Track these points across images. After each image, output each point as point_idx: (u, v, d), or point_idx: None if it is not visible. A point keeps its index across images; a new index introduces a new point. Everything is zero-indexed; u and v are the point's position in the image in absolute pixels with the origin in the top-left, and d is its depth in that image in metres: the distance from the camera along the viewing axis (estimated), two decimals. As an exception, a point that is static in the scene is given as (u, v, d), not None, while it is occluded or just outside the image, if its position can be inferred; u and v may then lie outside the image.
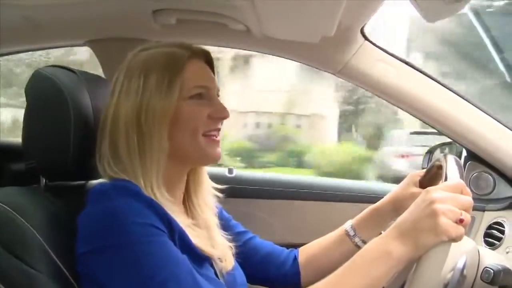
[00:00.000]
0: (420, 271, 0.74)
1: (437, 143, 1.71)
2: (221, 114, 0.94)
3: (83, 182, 1.00)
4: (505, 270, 0.87)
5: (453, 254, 0.82)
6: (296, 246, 1.17)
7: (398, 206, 1.05)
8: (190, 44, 0.95)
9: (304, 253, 1.14)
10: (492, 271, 0.86)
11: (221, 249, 0.96)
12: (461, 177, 0.82)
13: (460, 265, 0.89)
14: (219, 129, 0.95)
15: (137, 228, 0.76)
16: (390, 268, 0.76)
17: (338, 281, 0.79)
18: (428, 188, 0.79)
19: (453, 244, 0.75)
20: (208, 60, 0.99)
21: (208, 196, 1.04)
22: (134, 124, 0.87)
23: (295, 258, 1.14)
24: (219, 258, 0.95)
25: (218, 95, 0.98)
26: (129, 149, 0.87)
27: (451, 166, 0.84)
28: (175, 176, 0.95)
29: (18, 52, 1.67)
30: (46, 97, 0.92)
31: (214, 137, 0.94)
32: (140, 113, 0.87)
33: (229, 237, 1.02)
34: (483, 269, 0.88)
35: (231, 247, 1.00)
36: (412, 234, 0.76)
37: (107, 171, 0.88)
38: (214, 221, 1.02)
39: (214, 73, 0.99)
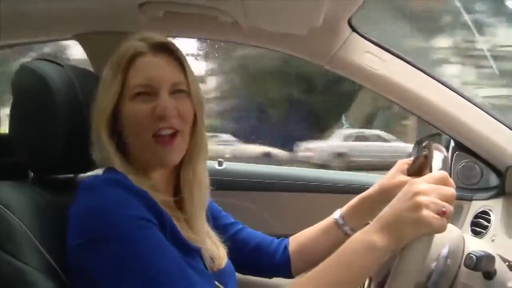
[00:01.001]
0: (403, 262, 0.75)
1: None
2: (160, 111, 0.87)
3: (71, 175, 1.00)
4: (488, 256, 0.88)
5: (437, 244, 0.83)
6: (285, 237, 1.18)
7: (386, 195, 1.06)
8: (150, 36, 0.92)
9: (294, 242, 1.15)
10: (475, 257, 0.87)
11: (210, 243, 0.97)
12: (446, 168, 0.83)
13: (443, 254, 0.90)
14: (172, 128, 0.88)
15: (127, 221, 0.77)
16: (374, 260, 0.77)
17: (323, 273, 0.79)
18: (411, 180, 0.79)
19: (437, 234, 0.76)
20: (173, 53, 0.93)
21: (200, 193, 0.99)
22: (94, 119, 0.89)
23: (286, 247, 1.14)
24: (212, 258, 0.95)
25: (179, 89, 0.91)
26: (94, 140, 0.89)
27: (436, 157, 0.85)
28: (157, 171, 0.94)
29: (4, 46, 1.66)
30: (32, 91, 0.91)
31: (163, 138, 0.88)
32: (94, 108, 0.89)
33: (220, 235, 1.02)
34: (467, 255, 0.89)
35: (223, 246, 1.00)
36: (395, 226, 0.76)
37: (96, 160, 0.90)
38: (204, 215, 1.00)
39: (183, 65, 0.93)
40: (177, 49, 0.93)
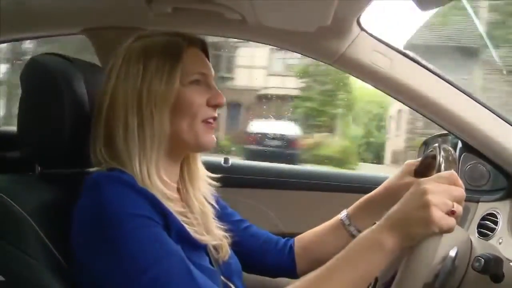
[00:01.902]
0: (411, 262, 0.75)
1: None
2: (219, 100, 0.94)
3: (78, 170, 1.00)
4: (496, 259, 0.88)
5: (445, 245, 0.83)
6: (291, 235, 1.18)
7: (392, 196, 1.05)
8: (186, 33, 0.96)
9: (300, 242, 1.15)
10: (483, 260, 0.87)
11: (216, 238, 0.97)
12: (455, 168, 0.82)
13: (451, 255, 0.90)
14: (215, 117, 0.95)
15: (130, 220, 0.77)
16: (382, 260, 0.77)
17: (330, 273, 0.79)
18: (420, 180, 0.79)
19: (445, 234, 0.75)
20: (204, 48, 0.99)
21: (203, 185, 1.04)
22: (135, 109, 0.87)
23: (291, 247, 1.14)
24: (215, 248, 0.95)
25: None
26: (127, 134, 0.86)
27: (445, 157, 0.84)
28: (170, 163, 0.95)
29: (14, 40, 1.67)
30: (41, 85, 0.91)
31: (211, 124, 0.95)
32: (141, 97, 0.87)
33: (224, 227, 1.02)
34: (474, 258, 0.89)
35: (226, 237, 1.00)
36: (403, 225, 0.76)
37: (98, 158, 0.87)
38: (209, 210, 1.02)
39: (209, 61, 0.99)
40: (207, 46, 1.01)
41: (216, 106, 0.95)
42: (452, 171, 0.80)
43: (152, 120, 0.87)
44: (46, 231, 0.83)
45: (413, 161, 1.09)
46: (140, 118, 0.87)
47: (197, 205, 0.99)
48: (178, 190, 1.00)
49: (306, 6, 1.12)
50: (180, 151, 0.96)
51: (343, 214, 1.12)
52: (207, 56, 1.00)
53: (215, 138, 0.96)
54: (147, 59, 0.89)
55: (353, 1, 1.18)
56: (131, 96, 0.87)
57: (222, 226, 1.02)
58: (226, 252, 0.98)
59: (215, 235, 0.97)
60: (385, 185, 1.09)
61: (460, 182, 0.78)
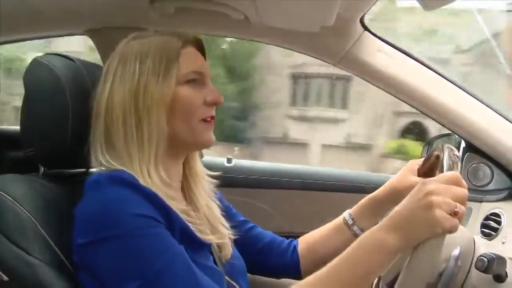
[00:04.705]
0: (414, 262, 0.75)
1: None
2: (216, 99, 0.94)
3: (81, 170, 1.01)
4: (499, 259, 0.88)
5: (448, 245, 0.82)
6: (294, 235, 1.17)
7: (396, 195, 1.05)
8: (182, 32, 0.96)
9: (303, 243, 1.15)
10: (486, 259, 0.87)
11: (221, 236, 0.97)
12: (458, 168, 0.82)
13: (454, 255, 0.90)
14: (213, 116, 0.95)
15: (132, 220, 0.77)
16: (384, 260, 0.77)
17: (332, 273, 0.79)
18: (423, 180, 0.79)
19: (448, 234, 0.75)
20: (200, 48, 0.99)
21: (206, 183, 1.04)
22: (132, 109, 0.87)
23: (295, 248, 1.14)
24: (218, 247, 0.95)
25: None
26: (126, 135, 0.87)
27: (448, 157, 0.84)
28: (171, 162, 0.94)
29: (16, 41, 1.67)
30: (44, 85, 0.92)
31: (209, 123, 0.94)
32: (137, 97, 0.87)
33: (228, 225, 1.02)
34: (478, 257, 0.89)
35: (230, 236, 1.00)
36: (406, 225, 0.76)
37: (99, 159, 0.87)
38: (215, 207, 1.02)
39: (205, 60, 0.99)
40: (204, 45, 1.01)
41: (213, 104, 0.94)
42: (456, 172, 0.80)
43: (150, 120, 0.87)
44: (49, 231, 0.83)
45: (417, 160, 1.08)
46: (138, 119, 0.87)
47: (202, 202, 0.99)
48: (182, 189, 1.00)
49: (309, 6, 1.12)
50: (180, 151, 0.96)
51: (346, 214, 1.11)
52: (204, 55, 1.00)
53: (213, 137, 0.96)
54: (143, 59, 0.88)
55: (357, 1, 1.17)
56: (128, 96, 0.87)
57: (227, 224, 1.02)
58: (229, 250, 0.98)
59: (220, 233, 0.97)
60: (389, 184, 1.09)
61: (464, 182, 0.78)
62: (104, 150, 0.87)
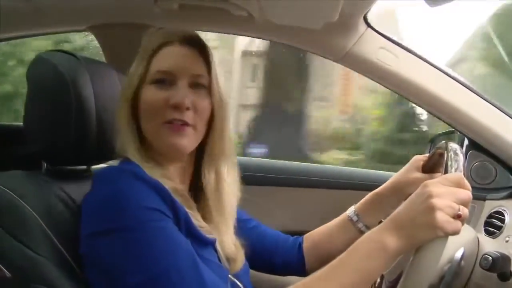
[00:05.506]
0: (417, 263, 0.74)
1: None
2: (178, 102, 0.86)
3: (84, 167, 1.00)
4: (504, 257, 0.87)
5: (451, 246, 0.82)
6: (298, 233, 1.17)
7: (400, 191, 1.05)
8: (177, 30, 0.94)
9: (308, 240, 1.15)
10: (491, 258, 0.86)
11: (232, 247, 0.95)
12: (462, 169, 0.81)
13: (457, 256, 0.89)
14: (182, 120, 0.88)
15: (141, 213, 0.77)
16: (385, 261, 0.76)
17: (331, 274, 0.79)
18: (426, 182, 0.78)
19: (451, 236, 0.74)
20: (197, 47, 0.93)
21: (226, 201, 0.96)
22: (117, 106, 0.92)
23: (300, 245, 1.14)
24: (228, 259, 0.94)
25: (199, 83, 0.91)
26: (118, 128, 0.91)
27: (452, 158, 0.83)
28: (169, 163, 0.94)
29: (19, 37, 1.67)
30: (47, 81, 0.91)
31: (174, 126, 0.88)
32: (120, 95, 0.92)
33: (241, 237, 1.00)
34: (482, 256, 0.88)
35: (243, 245, 0.99)
36: (408, 228, 0.75)
37: (117, 149, 0.91)
38: (230, 222, 0.98)
39: (208, 60, 0.93)
40: (205, 44, 0.94)
41: (177, 108, 0.87)
42: (459, 173, 0.79)
43: (120, 119, 0.90)
44: (53, 228, 0.83)
45: (421, 156, 1.08)
46: (119, 116, 0.91)
47: (219, 219, 0.95)
48: (191, 188, 0.99)
49: (313, 2, 1.12)
50: (157, 152, 0.92)
51: (350, 210, 1.11)
52: (204, 54, 0.93)
53: (181, 142, 0.88)
54: (137, 57, 0.93)
55: (360, -2, 1.17)
56: (119, 95, 0.93)
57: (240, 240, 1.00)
58: (240, 263, 0.97)
59: (230, 242, 0.95)
60: (393, 180, 1.09)
61: (467, 184, 0.77)
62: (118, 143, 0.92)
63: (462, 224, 0.74)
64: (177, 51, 0.91)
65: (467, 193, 0.76)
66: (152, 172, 0.84)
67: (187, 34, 0.93)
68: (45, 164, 0.97)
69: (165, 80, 0.89)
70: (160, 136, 0.89)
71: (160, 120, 0.88)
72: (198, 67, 0.92)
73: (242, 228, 1.04)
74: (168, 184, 0.84)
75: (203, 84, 0.92)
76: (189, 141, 0.90)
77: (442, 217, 0.72)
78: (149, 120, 0.89)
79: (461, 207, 0.74)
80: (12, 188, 0.84)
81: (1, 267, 0.80)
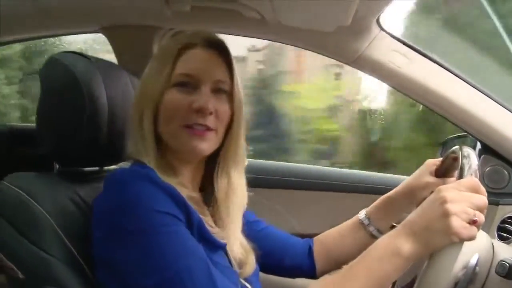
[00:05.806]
0: (430, 270, 0.73)
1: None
2: (201, 107, 0.86)
3: (96, 168, 1.01)
4: None
5: (466, 251, 0.81)
6: (307, 236, 1.16)
7: (412, 195, 1.04)
8: (199, 31, 0.93)
9: (319, 243, 1.13)
10: (507, 264, 0.85)
11: (243, 252, 0.95)
12: (477, 174, 0.80)
13: (472, 262, 0.88)
14: (204, 124, 0.88)
15: (154, 216, 0.76)
16: (399, 267, 0.75)
17: (345, 279, 0.77)
18: (440, 187, 0.76)
19: (466, 242, 0.73)
20: (219, 50, 0.93)
21: (237, 204, 0.96)
22: (136, 110, 0.90)
23: (310, 248, 1.13)
24: (239, 263, 0.94)
25: (221, 88, 0.91)
26: (133, 131, 0.90)
27: (467, 162, 0.82)
28: (182, 164, 0.93)
29: (30, 39, 1.68)
30: (60, 83, 0.92)
31: (194, 130, 0.87)
32: (138, 96, 0.91)
33: (244, 232, 0.99)
34: (498, 262, 0.87)
35: (254, 249, 0.99)
36: (422, 233, 0.74)
37: (131, 152, 0.91)
38: (239, 226, 0.97)
39: (231, 65, 0.93)
40: (227, 48, 0.94)
41: (199, 112, 0.87)
42: (474, 178, 0.78)
43: (141, 121, 0.89)
44: (64, 229, 0.83)
45: (434, 160, 1.06)
46: (135, 117, 0.90)
47: (229, 223, 0.94)
48: (201, 190, 0.99)
49: (326, 5, 1.11)
50: (173, 155, 0.92)
51: (362, 214, 1.10)
52: (226, 58, 0.93)
53: (203, 146, 0.88)
54: (153, 60, 0.92)
55: (374, 0, 1.16)
56: (136, 95, 0.92)
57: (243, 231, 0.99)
58: (251, 267, 0.96)
59: (239, 246, 0.95)
60: (405, 184, 1.07)
61: (483, 189, 0.76)
62: (130, 145, 0.91)
63: (478, 230, 0.73)
64: (201, 55, 0.91)
65: (482, 199, 0.75)
66: (169, 180, 0.84)
67: (210, 37, 0.93)
68: (57, 165, 0.97)
69: (188, 84, 0.89)
70: (179, 138, 0.88)
71: (181, 122, 0.88)
72: (221, 73, 0.92)
73: (251, 230, 1.04)
74: (184, 192, 0.84)
75: (225, 89, 0.92)
76: (209, 145, 0.90)
77: (457, 223, 0.71)
78: (169, 122, 0.89)
79: (477, 212, 0.73)
80: (24, 188, 0.84)
81: (14, 267, 0.80)
